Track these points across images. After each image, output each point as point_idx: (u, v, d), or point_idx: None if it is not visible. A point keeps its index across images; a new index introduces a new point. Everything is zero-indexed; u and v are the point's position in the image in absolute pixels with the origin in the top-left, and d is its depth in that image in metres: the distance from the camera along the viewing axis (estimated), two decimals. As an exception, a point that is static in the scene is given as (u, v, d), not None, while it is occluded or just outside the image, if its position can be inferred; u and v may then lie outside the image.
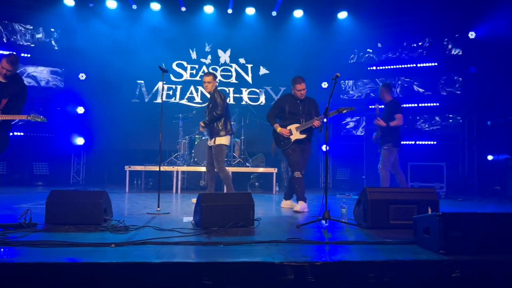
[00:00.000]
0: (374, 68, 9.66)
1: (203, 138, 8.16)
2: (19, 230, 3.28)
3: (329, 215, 3.88)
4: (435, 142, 8.75)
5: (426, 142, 8.81)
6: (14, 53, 4.74)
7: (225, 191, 5.53)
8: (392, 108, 6.11)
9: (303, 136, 5.23)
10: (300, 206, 5.04)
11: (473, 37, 8.59)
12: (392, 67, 9.50)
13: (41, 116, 4.89)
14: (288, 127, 5.27)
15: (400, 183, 6.08)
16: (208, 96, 5.84)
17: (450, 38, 8.98)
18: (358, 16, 9.34)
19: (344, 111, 4.89)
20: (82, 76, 9.35)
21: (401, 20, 9.18)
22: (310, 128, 5.20)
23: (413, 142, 8.89)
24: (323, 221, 3.89)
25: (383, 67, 9.60)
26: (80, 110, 9.38)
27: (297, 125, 5.25)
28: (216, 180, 5.92)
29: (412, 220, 3.16)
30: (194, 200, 5.34)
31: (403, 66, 9.38)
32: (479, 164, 8.53)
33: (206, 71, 10.02)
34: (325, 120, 4.98)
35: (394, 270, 2.50)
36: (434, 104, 9.02)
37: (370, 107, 9.10)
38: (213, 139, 5.62)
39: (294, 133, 5.26)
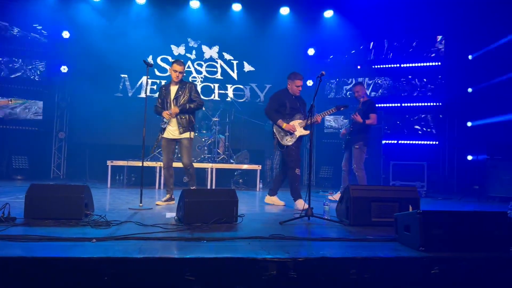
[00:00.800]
0: (359, 67, 9.75)
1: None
2: (-3, 224, 3.21)
3: (312, 212, 3.91)
4: (416, 142, 8.89)
5: (408, 142, 8.95)
6: None
7: (192, 187, 5.32)
8: (367, 108, 6.24)
9: (307, 132, 5.20)
10: (301, 204, 4.84)
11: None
12: (376, 66, 9.60)
13: (22, 99, 4.86)
14: (291, 123, 5.23)
15: (361, 182, 6.16)
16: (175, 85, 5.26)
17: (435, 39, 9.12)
18: (344, 15, 9.40)
19: (342, 109, 5.29)
20: (64, 69, 9.18)
21: (388, 20, 9.27)
22: (309, 124, 5.07)
23: (395, 142, 9.02)
24: (306, 218, 3.92)
25: (369, 66, 9.70)
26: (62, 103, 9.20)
27: (300, 121, 5.24)
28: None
29: (394, 217, 3.20)
30: (159, 203, 5.21)
31: (386, 66, 9.48)
32: (459, 164, 8.72)
33: (191, 66, 9.96)
34: (318, 118, 5.13)
35: (375, 267, 2.54)
36: (417, 104, 9.15)
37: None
38: (188, 133, 5.24)
39: (298, 129, 5.23)
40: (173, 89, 5.24)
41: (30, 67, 9.14)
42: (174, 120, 5.20)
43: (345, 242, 3.09)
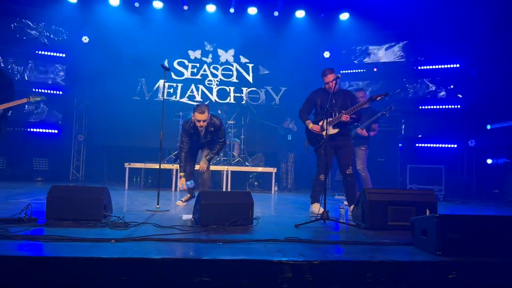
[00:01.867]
0: (375, 70, 9.68)
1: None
2: (20, 224, 3.30)
3: (327, 215, 3.90)
4: (434, 145, 8.78)
5: (426, 145, 8.84)
6: None
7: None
8: (370, 117, 6.35)
9: (336, 130, 4.86)
10: (316, 208, 4.76)
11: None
12: (394, 68, 9.52)
13: (41, 95, 5.02)
14: (320, 123, 4.90)
15: (366, 182, 6.25)
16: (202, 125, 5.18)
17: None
18: (361, 18, 9.35)
19: (378, 98, 4.64)
20: (84, 72, 9.35)
21: (404, 22, 9.20)
22: (344, 122, 4.82)
23: (412, 144, 8.92)
24: (322, 221, 3.91)
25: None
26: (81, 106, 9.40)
27: (330, 119, 4.87)
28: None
29: (410, 221, 3.18)
30: (179, 203, 5.37)
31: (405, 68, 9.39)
32: (478, 168, 8.57)
33: (207, 70, 10.04)
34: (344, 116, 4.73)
35: (392, 271, 2.52)
36: (435, 106, 9.03)
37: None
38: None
39: (330, 129, 4.86)
40: (202, 132, 5.31)
41: (50, 70, 9.37)
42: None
43: (361, 245, 3.08)
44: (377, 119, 6.41)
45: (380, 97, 4.63)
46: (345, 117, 4.73)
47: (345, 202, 6.09)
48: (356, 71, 9.87)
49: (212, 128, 5.25)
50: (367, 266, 2.52)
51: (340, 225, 4.02)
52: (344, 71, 9.71)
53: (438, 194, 7.32)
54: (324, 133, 4.71)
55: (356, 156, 6.24)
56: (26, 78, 9.09)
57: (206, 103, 9.76)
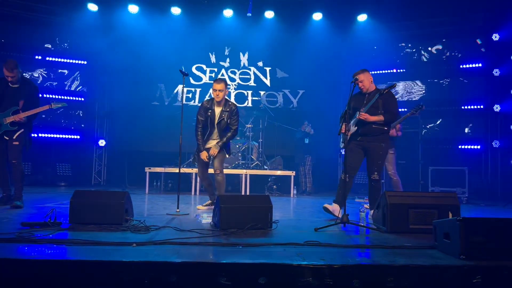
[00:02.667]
0: (394, 70, 9.57)
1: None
2: (45, 228, 3.38)
3: (347, 218, 3.86)
4: (457, 146, 8.60)
5: (448, 146, 8.67)
6: (11, 59, 5.01)
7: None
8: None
9: (355, 129, 4.70)
10: (333, 206, 4.68)
11: (497, 39, 8.44)
12: (411, 70, 9.39)
13: (62, 102, 5.19)
14: (350, 124, 4.80)
15: (397, 187, 6.10)
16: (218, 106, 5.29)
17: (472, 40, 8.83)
18: (378, 19, 9.26)
19: (386, 91, 4.49)
20: (104, 79, 9.53)
21: (423, 23, 9.08)
22: (369, 122, 4.60)
23: (433, 146, 8.76)
24: (342, 225, 3.88)
25: (403, 70, 9.51)
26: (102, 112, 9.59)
27: (354, 119, 4.78)
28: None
29: (432, 224, 3.12)
30: (200, 207, 5.39)
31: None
32: (502, 169, 8.35)
33: (225, 74, 10.12)
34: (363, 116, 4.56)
35: (414, 275, 2.48)
36: (457, 107, 8.86)
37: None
38: (223, 151, 5.37)
39: (351, 128, 4.76)
40: (217, 111, 5.31)
41: (71, 77, 9.60)
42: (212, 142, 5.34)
43: (382, 249, 3.04)
44: (406, 118, 6.16)
45: (387, 90, 4.49)
46: (362, 116, 4.57)
47: (366, 206, 6.02)
48: (383, 72, 9.73)
49: (228, 109, 5.29)
50: (388, 270, 2.49)
51: (360, 229, 3.98)
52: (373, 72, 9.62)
53: (461, 196, 7.17)
54: (349, 132, 4.75)
55: (387, 161, 6.01)
56: (47, 85, 9.33)
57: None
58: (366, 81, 4.78)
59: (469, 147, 8.55)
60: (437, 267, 2.54)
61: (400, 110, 6.38)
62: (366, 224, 4.06)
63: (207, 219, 4.20)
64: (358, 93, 4.94)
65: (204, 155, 5.25)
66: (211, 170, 5.45)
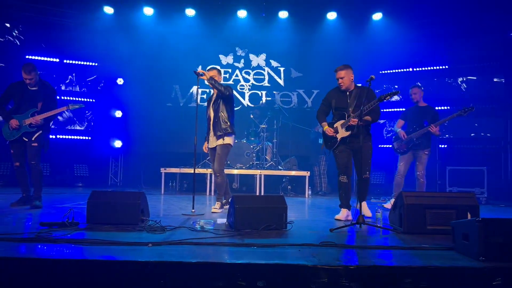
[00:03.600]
0: (410, 69, 9.44)
1: (236, 141, 8.23)
2: (63, 228, 3.44)
3: (363, 219, 3.82)
4: (475, 146, 8.44)
5: (466, 146, 8.51)
6: (29, 62, 5.13)
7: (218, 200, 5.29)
8: (432, 114, 6.03)
9: (348, 133, 4.63)
10: (343, 214, 4.66)
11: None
12: (429, 68, 9.25)
13: (79, 103, 5.29)
14: (335, 125, 4.75)
15: (423, 189, 5.95)
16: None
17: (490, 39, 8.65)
18: (394, 17, 9.15)
19: (387, 98, 4.27)
20: (120, 81, 9.66)
21: (439, 20, 8.94)
22: (353, 125, 4.52)
23: (452, 146, 8.62)
24: (357, 226, 3.84)
25: (419, 69, 9.37)
26: (118, 114, 9.70)
27: (343, 121, 4.70)
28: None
29: (450, 225, 3.07)
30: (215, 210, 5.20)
31: (440, 67, 9.11)
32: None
33: (239, 75, 10.14)
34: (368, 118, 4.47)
35: (431, 276, 2.44)
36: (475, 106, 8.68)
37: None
38: (222, 138, 5.17)
39: (340, 130, 4.70)
40: (214, 97, 5.35)
41: (88, 79, 9.75)
42: (210, 129, 5.30)
43: (398, 250, 3.00)
44: (452, 119, 5.88)
45: (388, 97, 4.31)
46: (353, 121, 4.50)
47: (385, 205, 5.97)
48: (396, 71, 9.61)
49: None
50: (405, 271, 2.45)
51: (376, 230, 3.93)
52: (383, 71, 9.54)
53: (480, 197, 7.04)
54: (338, 135, 4.72)
55: (419, 160, 5.95)
56: (63, 88, 9.49)
57: (237, 107, 9.86)
58: (346, 79, 4.72)
59: (487, 146, 8.37)
60: (456, 269, 2.50)
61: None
62: (383, 225, 4.01)
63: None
64: (337, 90, 4.84)
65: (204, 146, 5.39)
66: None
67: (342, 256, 2.69)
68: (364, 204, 4.78)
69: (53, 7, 9.15)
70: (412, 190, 6.12)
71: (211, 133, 5.28)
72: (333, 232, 3.70)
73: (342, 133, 4.70)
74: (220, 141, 5.19)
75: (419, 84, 7.90)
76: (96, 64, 9.71)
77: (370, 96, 4.50)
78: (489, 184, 7.27)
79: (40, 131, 5.06)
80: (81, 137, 9.60)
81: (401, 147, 6.18)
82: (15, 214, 4.40)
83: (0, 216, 4.26)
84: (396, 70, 9.59)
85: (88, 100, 9.64)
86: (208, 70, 5.35)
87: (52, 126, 9.09)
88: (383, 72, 9.61)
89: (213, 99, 5.36)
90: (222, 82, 5.45)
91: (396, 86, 9.42)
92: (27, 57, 9.05)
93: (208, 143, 5.38)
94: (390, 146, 9.24)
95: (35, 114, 5.01)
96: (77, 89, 9.70)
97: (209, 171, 7.81)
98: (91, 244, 2.90)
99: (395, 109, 9.33)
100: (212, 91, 5.28)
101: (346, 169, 4.71)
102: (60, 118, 9.40)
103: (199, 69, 5.29)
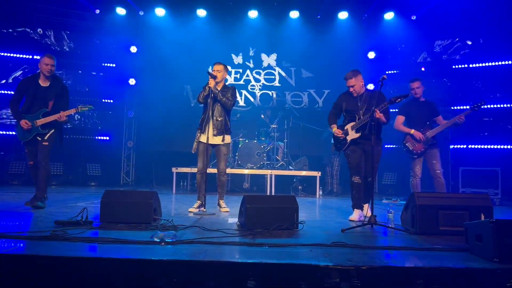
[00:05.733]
0: (423, 69, 9.36)
1: (247, 141, 8.26)
2: (77, 227, 3.49)
3: (375, 219, 3.81)
4: (489, 146, 8.33)
5: (479, 146, 8.41)
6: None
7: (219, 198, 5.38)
8: (435, 107, 5.89)
9: (358, 135, 4.66)
10: (356, 214, 4.64)
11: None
12: (439, 67, 9.17)
13: (88, 105, 5.27)
14: (346, 127, 4.82)
15: (442, 189, 5.65)
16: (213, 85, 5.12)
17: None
18: (405, 17, 9.09)
19: (398, 100, 4.27)
20: (132, 81, 9.73)
21: (453, 19, 8.84)
22: (370, 125, 4.42)
23: (465, 146, 8.53)
24: (369, 226, 3.83)
25: (434, 67, 9.30)
26: (130, 114, 9.80)
27: (353, 123, 4.75)
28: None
29: (464, 226, 3.04)
30: (191, 209, 5.13)
31: (454, 66, 9.01)
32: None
33: (250, 75, 10.16)
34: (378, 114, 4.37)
35: (445, 278, 2.42)
36: (488, 106, 8.57)
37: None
38: (222, 136, 5.23)
39: (350, 132, 4.76)
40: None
41: (100, 79, 9.86)
42: (210, 124, 5.20)
43: (411, 251, 2.98)
44: (467, 115, 5.68)
45: (399, 99, 4.29)
46: (378, 114, 4.36)
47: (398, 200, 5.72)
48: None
49: (225, 90, 5.29)
50: (418, 272, 2.44)
51: (388, 230, 3.91)
52: (390, 72, 9.48)
53: (494, 198, 6.94)
54: (347, 137, 4.76)
55: (435, 159, 5.64)
56: (78, 88, 9.62)
57: (248, 107, 9.90)
58: (357, 86, 4.76)
59: (502, 146, 8.26)
60: (469, 270, 2.48)
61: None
62: (395, 226, 3.99)
63: (233, 219, 4.06)
64: (348, 93, 4.89)
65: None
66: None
67: (354, 257, 2.68)
68: (366, 206, 4.75)
69: (66, 8, 9.28)
70: (429, 190, 6.01)
71: (211, 130, 5.19)
72: (344, 233, 3.69)
73: (352, 135, 4.73)
74: (220, 139, 5.23)
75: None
76: (114, 65, 9.81)
77: (380, 99, 4.51)
78: (503, 185, 7.17)
79: (53, 130, 5.02)
80: (97, 137, 9.73)
81: (417, 149, 5.69)
82: (30, 213, 4.47)
83: (16, 214, 4.33)
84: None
85: (104, 100, 9.76)
86: (214, 64, 5.33)
87: (69, 125, 9.27)
88: (392, 72, 9.54)
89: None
90: (227, 77, 5.51)
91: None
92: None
93: (199, 138, 5.25)
94: (399, 146, 9.20)
95: (47, 114, 4.96)
96: (94, 89, 9.80)
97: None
98: (105, 242, 2.94)
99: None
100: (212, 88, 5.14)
101: (359, 169, 4.71)
102: (69, 124, 9.50)
103: (210, 69, 5.29)
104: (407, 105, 5.88)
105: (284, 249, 2.92)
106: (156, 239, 3.03)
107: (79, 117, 9.69)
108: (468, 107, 5.99)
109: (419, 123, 5.74)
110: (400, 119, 5.87)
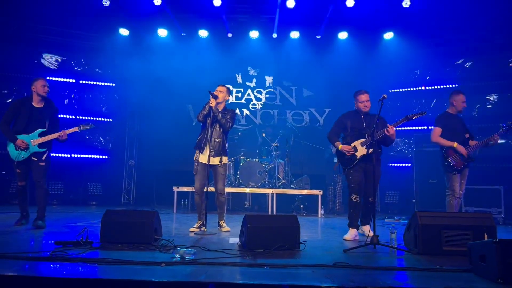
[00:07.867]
0: (423, 88, 9.43)
1: (248, 159, 8.26)
2: (77, 247, 3.47)
3: (377, 239, 3.78)
4: (490, 164, 8.29)
5: (481, 165, 8.36)
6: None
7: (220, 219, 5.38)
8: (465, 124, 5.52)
9: (369, 150, 4.64)
10: (350, 234, 4.65)
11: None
12: (441, 87, 9.23)
13: (90, 124, 5.31)
14: (352, 144, 4.81)
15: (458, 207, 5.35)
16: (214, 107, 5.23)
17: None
18: (405, 36, 9.18)
19: (415, 117, 4.39)
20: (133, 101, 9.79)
21: (450, 39, 8.96)
22: (377, 143, 4.59)
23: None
24: (372, 246, 3.79)
25: (432, 87, 9.35)
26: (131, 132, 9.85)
27: (362, 140, 4.79)
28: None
29: (467, 246, 3.01)
30: (192, 229, 5.10)
31: (452, 86, 9.06)
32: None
33: (251, 94, 10.24)
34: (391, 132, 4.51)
35: (448, 299, 2.39)
36: (490, 124, 8.57)
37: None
38: (220, 157, 5.23)
39: (360, 149, 4.76)
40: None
41: (102, 99, 9.94)
42: (208, 145, 5.21)
43: (414, 271, 2.95)
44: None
45: (416, 116, 4.46)
46: (391, 130, 4.52)
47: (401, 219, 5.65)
48: (409, 89, 9.64)
49: (226, 111, 5.37)
50: (421, 294, 2.41)
51: (391, 250, 3.87)
52: (392, 90, 9.55)
53: (497, 217, 6.89)
54: (357, 153, 4.78)
55: (465, 179, 5.27)
56: (77, 106, 9.68)
57: (249, 126, 9.94)
58: (369, 103, 4.93)
59: (504, 165, 8.22)
60: (473, 292, 2.44)
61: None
62: (397, 246, 3.95)
63: (234, 239, 4.06)
64: (352, 112, 5.06)
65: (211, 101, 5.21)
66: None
67: (356, 277, 2.65)
68: (367, 227, 4.84)
69: (70, 29, 9.41)
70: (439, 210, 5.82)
71: (207, 151, 5.20)
72: (347, 253, 3.65)
73: (362, 151, 4.77)
74: (218, 160, 5.24)
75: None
76: (114, 84, 9.90)
77: (383, 121, 4.73)
78: (506, 203, 7.11)
79: (48, 151, 5.06)
80: (98, 156, 9.73)
81: (459, 164, 5.19)
82: (30, 233, 4.45)
83: (15, 234, 4.31)
84: (408, 89, 9.59)
85: (106, 120, 9.81)
86: (218, 86, 5.45)
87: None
88: (394, 90, 9.60)
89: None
90: (228, 99, 5.60)
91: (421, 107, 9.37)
92: (47, 78, 9.27)
93: (199, 158, 5.25)
94: (406, 164, 9.17)
95: (45, 133, 4.98)
96: (95, 109, 9.86)
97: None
98: (104, 263, 2.91)
99: (406, 128, 9.23)
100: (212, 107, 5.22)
101: (360, 188, 4.75)
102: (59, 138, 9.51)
103: (215, 91, 5.37)
104: (444, 118, 5.43)
105: (286, 270, 2.89)
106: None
107: (81, 135, 9.72)
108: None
109: (455, 137, 5.25)
110: (438, 131, 5.34)
